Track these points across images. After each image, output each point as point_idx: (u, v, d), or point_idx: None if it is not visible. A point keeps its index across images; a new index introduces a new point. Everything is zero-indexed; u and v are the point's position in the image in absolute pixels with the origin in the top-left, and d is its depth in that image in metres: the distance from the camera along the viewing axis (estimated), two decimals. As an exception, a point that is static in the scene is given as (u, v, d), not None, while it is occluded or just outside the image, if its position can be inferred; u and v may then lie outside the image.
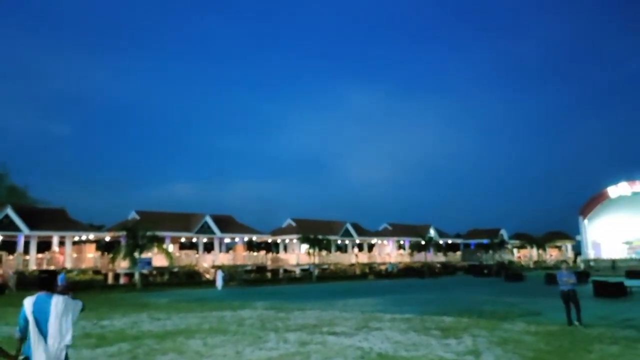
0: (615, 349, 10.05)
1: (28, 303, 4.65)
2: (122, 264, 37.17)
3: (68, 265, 37.15)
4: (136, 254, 35.01)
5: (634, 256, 52.71)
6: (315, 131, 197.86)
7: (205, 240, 48.14)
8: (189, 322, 15.48)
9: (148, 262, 35.98)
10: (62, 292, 4.89)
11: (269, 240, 58.06)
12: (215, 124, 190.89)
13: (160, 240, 37.37)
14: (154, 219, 41.92)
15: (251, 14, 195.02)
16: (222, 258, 46.86)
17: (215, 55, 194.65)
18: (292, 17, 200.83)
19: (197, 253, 46.34)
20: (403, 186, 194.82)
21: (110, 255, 37.16)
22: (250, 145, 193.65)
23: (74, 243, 40.74)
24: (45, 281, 4.86)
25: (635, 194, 54.57)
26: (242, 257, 48.50)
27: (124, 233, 36.97)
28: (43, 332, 4.58)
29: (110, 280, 39.34)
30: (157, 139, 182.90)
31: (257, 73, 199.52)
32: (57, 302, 4.65)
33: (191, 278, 40.74)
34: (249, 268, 46.50)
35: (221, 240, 49.06)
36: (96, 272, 38.36)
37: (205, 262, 44.78)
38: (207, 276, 41.70)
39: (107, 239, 42.66)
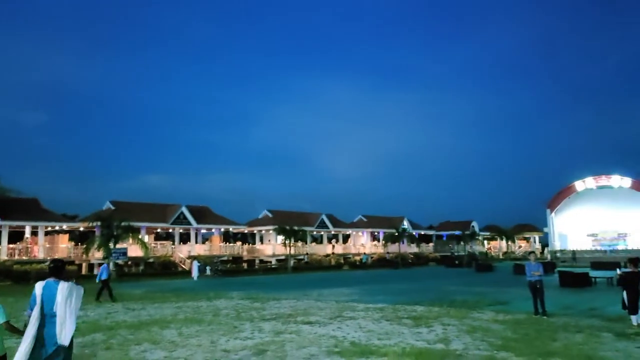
0: (579, 337, 10.40)
1: (38, 287, 5.32)
2: (97, 255, 36.74)
3: (41, 256, 36.56)
4: (111, 245, 34.65)
5: (598, 248, 54.41)
6: (291, 124, 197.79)
7: (181, 230, 47.88)
8: (164, 313, 15.51)
9: (123, 252, 35.63)
10: (67, 279, 5.51)
11: (245, 231, 58.04)
12: (192, 116, 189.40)
13: (135, 231, 37.03)
14: (129, 210, 41.49)
15: (226, 8, 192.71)
16: (198, 248, 46.71)
17: (192, 49, 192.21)
18: (268, 11, 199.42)
19: (173, 243, 46.06)
20: (378, 179, 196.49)
21: (84, 246, 36.69)
22: (228, 138, 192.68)
23: (47, 233, 40.11)
24: (54, 269, 5.52)
25: (600, 188, 56.22)
26: (218, 247, 48.41)
27: (98, 223, 36.52)
28: (46, 312, 5.19)
29: (84, 270, 38.85)
30: (132, 131, 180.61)
31: (233, 66, 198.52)
32: (62, 288, 5.27)
33: (167, 268, 40.53)
34: (225, 258, 46.45)
35: (197, 230, 48.85)
36: (70, 262, 37.80)
37: (181, 252, 44.55)
38: (183, 266, 41.53)
39: (81, 229, 42.05)
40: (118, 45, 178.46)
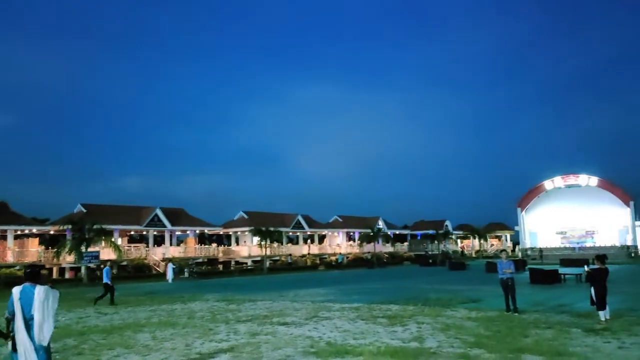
0: (549, 333, 10.63)
1: (16, 292, 5.53)
2: (68, 258, 36.03)
3: (10, 260, 35.67)
4: (82, 248, 34.00)
5: (567, 245, 55.76)
6: (267, 125, 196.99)
7: (155, 233, 47.29)
8: (137, 316, 15.30)
9: (95, 255, 35.01)
10: (43, 283, 5.70)
11: (221, 233, 57.65)
12: (166, 117, 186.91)
13: (108, 234, 36.40)
14: (102, 212, 40.89)
15: (202, 9, 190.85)
16: (173, 251, 46.22)
17: (166, 49, 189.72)
18: (243, 12, 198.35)
19: (147, 246, 45.48)
20: (353, 179, 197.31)
21: (55, 250, 35.91)
22: (204, 139, 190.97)
23: (17, 237, 39.16)
24: (30, 274, 5.78)
25: (568, 187, 57.65)
26: (193, 249, 47.98)
27: (69, 227, 35.80)
28: (26, 316, 5.44)
29: (55, 274, 38.08)
30: (105, 132, 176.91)
31: (209, 67, 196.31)
32: (39, 291, 5.48)
33: (140, 271, 39.95)
34: (200, 260, 46.07)
35: (172, 232, 48.36)
36: (41, 267, 36.95)
37: (156, 255, 44.01)
38: (157, 269, 41.02)
39: (52, 232, 41.20)
40: (88, 44, 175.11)
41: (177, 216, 48.91)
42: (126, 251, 41.88)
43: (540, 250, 54.16)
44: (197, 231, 52.00)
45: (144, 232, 47.12)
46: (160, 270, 40.20)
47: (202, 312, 16.01)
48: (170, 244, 47.73)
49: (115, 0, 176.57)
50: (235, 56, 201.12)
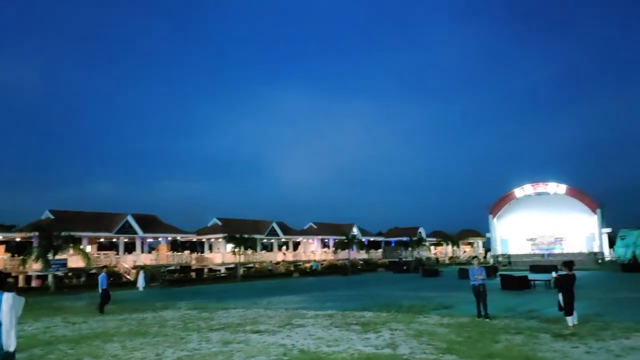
0: (519, 338, 10.83)
1: None
2: (35, 266, 35.05)
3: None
4: (50, 255, 33.15)
5: (537, 252, 56.87)
6: (242, 132, 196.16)
7: (126, 240, 46.46)
8: (106, 325, 14.98)
9: (63, 263, 34.17)
10: (9, 290, 5.65)
11: (194, 240, 56.99)
12: (139, 123, 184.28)
13: (76, 241, 35.58)
14: (71, 219, 40.08)
15: (177, 14, 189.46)
16: (144, 258, 45.44)
17: (140, 54, 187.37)
18: (220, 18, 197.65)
19: (117, 253, 44.67)
20: (328, 186, 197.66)
21: (21, 257, 34.91)
22: (178, 145, 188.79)
23: (-19, 245, 37.93)
24: None
25: (538, 194, 58.80)
26: (165, 256, 47.28)
27: (36, 234, 34.88)
28: None
29: (21, 282, 36.99)
30: (76, 138, 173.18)
31: (183, 73, 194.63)
32: (7, 298, 5.41)
33: (110, 279, 39.09)
34: (172, 268, 45.41)
35: (143, 239, 47.57)
36: (6, 274, 35.85)
37: (126, 262, 43.20)
38: (128, 277, 40.24)
39: (18, 239, 40.09)
40: (58, 49, 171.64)
41: (150, 223, 48.20)
42: (95, 259, 41.06)
43: (509, 256, 55.14)
44: (170, 238, 51.34)
45: (115, 239, 46.28)
46: (131, 278, 39.47)
47: (174, 320, 15.77)
48: (142, 252, 46.94)
49: (88, 4, 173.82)
50: (210, 63, 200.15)
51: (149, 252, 49.12)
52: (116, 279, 39.49)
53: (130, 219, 45.07)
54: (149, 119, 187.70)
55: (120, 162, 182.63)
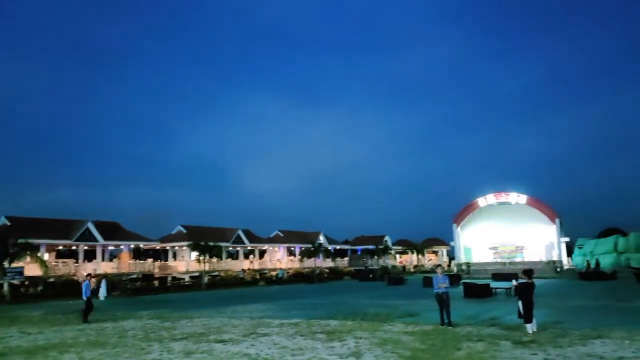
0: (480, 345, 11.02)
1: None
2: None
3: None
4: (6, 264, 31.96)
5: (499, 260, 58.19)
6: (207, 138, 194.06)
7: (86, 248, 45.20)
8: (64, 336, 14.50)
9: (19, 271, 32.97)
10: None
11: (158, 248, 55.90)
12: (101, 127, 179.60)
13: (33, 248, 34.41)
14: (28, 226, 38.93)
15: (147, 16, 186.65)
16: (105, 266, 44.30)
17: (105, 53, 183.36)
18: (187, 24, 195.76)
19: (77, 261, 43.40)
20: (295, 194, 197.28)
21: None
22: (142, 150, 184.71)
23: None
24: None
25: (500, 204, 60.25)
26: (127, 265, 46.21)
27: (-11, 241, 33.53)
28: None
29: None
30: (31, 141, 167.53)
31: (149, 75, 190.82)
32: None
33: (69, 288, 37.85)
34: (134, 276, 44.38)
35: (104, 247, 46.39)
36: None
37: (86, 271, 41.96)
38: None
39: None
40: (15, 48, 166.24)
41: (111, 230, 47.11)
42: (53, 267, 39.81)
43: (468, 265, 56.28)
44: (132, 246, 50.22)
45: (74, 247, 44.99)
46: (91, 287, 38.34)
47: (135, 330, 15.39)
48: (102, 260, 45.77)
49: (63, 9, 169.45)
50: (178, 67, 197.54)
51: (110, 260, 47.93)
52: (75, 288, 38.33)
53: (90, 225, 43.98)
54: (110, 123, 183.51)
55: (81, 167, 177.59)
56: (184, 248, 51.76)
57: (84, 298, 19.17)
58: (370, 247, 69.23)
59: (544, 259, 55.91)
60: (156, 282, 45.59)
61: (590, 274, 41.46)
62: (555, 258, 55.43)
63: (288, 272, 56.51)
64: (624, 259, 57.68)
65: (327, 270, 60.86)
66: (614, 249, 60.92)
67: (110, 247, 48.47)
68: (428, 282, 31.11)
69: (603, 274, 41.53)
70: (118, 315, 20.40)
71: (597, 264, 53.25)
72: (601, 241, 65.73)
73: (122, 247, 48.81)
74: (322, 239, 67.11)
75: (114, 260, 48.48)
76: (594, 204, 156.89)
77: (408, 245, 74.41)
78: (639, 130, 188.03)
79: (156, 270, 48.52)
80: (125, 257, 48.05)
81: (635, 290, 27.93)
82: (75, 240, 43.13)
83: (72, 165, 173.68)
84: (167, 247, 55.30)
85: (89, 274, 26.23)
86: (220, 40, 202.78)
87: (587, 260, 57.01)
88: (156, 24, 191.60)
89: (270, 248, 64.08)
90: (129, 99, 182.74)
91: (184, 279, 48.32)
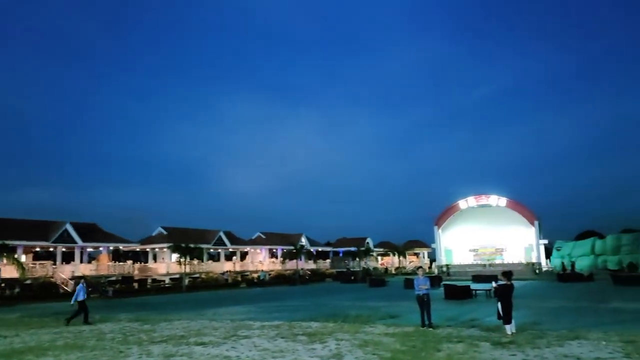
0: (460, 347, 11.08)
1: None
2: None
3: None
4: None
5: (479, 262, 58.77)
6: (189, 139, 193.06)
7: (64, 249, 44.46)
8: (40, 339, 14.23)
9: (-6, 274, 32.29)
10: None
11: (138, 249, 55.22)
12: (81, 126, 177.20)
13: (10, 250, 33.77)
14: (4, 227, 38.27)
15: (124, 16, 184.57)
16: (84, 268, 43.62)
17: (81, 54, 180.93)
18: (166, 24, 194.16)
19: (54, 263, 42.67)
20: (277, 196, 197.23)
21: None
22: (122, 151, 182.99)
23: None
24: None
25: (481, 206, 60.85)
26: (106, 267, 45.57)
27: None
28: None
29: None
30: (6, 140, 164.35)
31: (124, 77, 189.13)
32: None
33: (47, 290, 37.26)
34: (113, 278, 43.77)
35: (83, 249, 45.69)
36: None
37: (64, 273, 41.31)
38: (66, 288, 38.46)
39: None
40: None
41: (90, 232, 46.46)
42: (31, 269, 39.08)
43: (447, 267, 56.78)
44: (111, 247, 49.55)
45: (52, 249, 44.23)
46: (68, 289, 37.75)
47: (113, 333, 15.17)
48: (81, 261, 45.07)
49: (36, 4, 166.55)
50: (157, 68, 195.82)
51: (89, 262, 47.24)
52: (53, 290, 37.70)
53: (68, 227, 43.31)
54: (88, 122, 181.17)
55: (58, 168, 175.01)
56: (165, 250, 51.24)
57: (78, 300, 18.57)
58: (352, 249, 69.37)
59: (523, 261, 56.63)
60: (136, 284, 45.09)
61: (568, 276, 42.11)
62: (534, 260, 56.15)
63: (270, 274, 56.33)
64: (601, 261, 58.80)
65: (309, 272, 60.83)
66: (592, 251, 62.05)
67: (89, 249, 47.80)
68: (409, 284, 31.31)
69: (580, 275, 42.23)
70: (96, 318, 20.06)
71: (573, 266, 54.17)
72: (579, 243, 66.88)
73: (101, 248, 48.15)
74: (304, 240, 67.05)
75: (93, 262, 47.77)
76: (571, 207, 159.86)
77: (390, 247, 74.74)
78: (614, 136, 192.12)
79: (136, 272, 47.95)
80: (104, 259, 47.39)
81: (611, 291, 28.43)
82: (53, 242, 42.42)
83: (50, 166, 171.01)
84: (147, 249, 54.69)
85: (82, 276, 25.85)
86: (196, 42, 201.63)
87: (562, 262, 58.00)
88: (136, 26, 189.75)
89: (252, 250, 63.79)
90: (106, 99, 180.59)
91: (164, 281, 47.85)
